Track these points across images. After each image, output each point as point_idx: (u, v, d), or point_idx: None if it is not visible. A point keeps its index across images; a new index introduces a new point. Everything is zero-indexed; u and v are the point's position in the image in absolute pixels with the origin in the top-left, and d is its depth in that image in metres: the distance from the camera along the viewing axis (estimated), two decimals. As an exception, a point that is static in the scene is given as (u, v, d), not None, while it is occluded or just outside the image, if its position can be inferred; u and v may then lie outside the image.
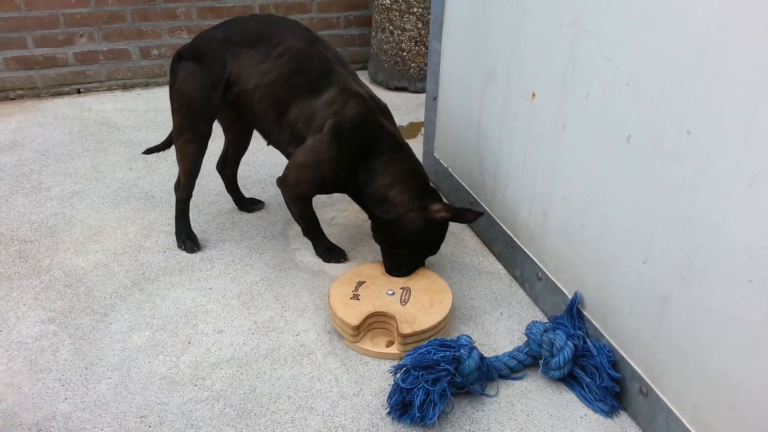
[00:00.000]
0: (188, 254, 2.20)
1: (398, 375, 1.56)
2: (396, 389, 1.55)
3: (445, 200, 1.90)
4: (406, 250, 1.93)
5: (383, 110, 1.97)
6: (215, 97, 2.01)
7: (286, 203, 2.07)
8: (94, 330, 1.85)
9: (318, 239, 2.18)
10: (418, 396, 1.51)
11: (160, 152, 2.41)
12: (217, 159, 2.44)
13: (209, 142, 2.10)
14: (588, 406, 1.62)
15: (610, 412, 1.60)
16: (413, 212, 1.87)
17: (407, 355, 1.59)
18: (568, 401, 1.64)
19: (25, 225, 2.34)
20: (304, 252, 2.22)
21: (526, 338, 1.71)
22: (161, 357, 1.75)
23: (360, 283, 1.91)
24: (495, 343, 1.84)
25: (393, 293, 1.87)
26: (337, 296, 1.86)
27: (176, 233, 2.25)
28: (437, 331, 1.77)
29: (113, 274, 2.09)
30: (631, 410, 1.60)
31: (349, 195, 2.00)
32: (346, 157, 1.86)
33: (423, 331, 1.73)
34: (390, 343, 1.79)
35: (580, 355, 1.65)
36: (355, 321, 1.76)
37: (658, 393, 1.48)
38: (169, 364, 1.73)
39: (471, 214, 1.85)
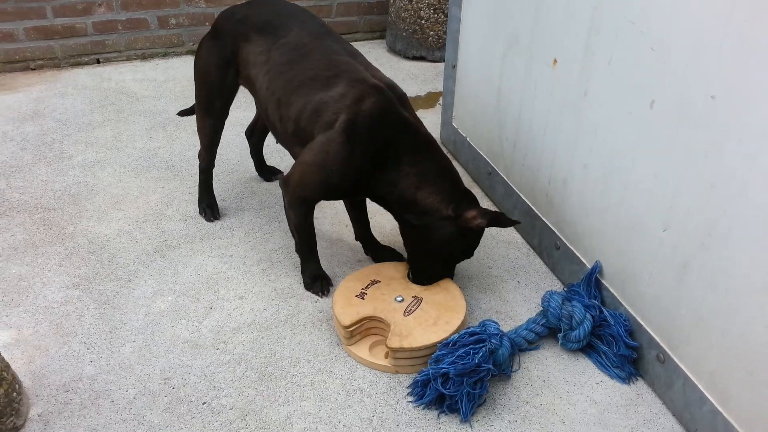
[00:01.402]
0: (209, 222, 2.23)
1: (438, 381, 1.51)
2: (431, 390, 1.52)
3: (481, 205, 1.73)
4: (438, 259, 1.76)
5: (402, 100, 1.75)
6: (229, 77, 1.98)
7: (285, 209, 1.86)
8: (118, 295, 1.89)
9: (308, 260, 1.91)
10: (462, 402, 1.49)
11: (186, 116, 2.43)
12: (243, 128, 2.45)
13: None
14: (605, 373, 1.63)
15: (627, 379, 1.61)
16: (446, 219, 1.67)
17: (441, 356, 1.53)
18: (584, 367, 1.65)
19: (49, 193, 2.38)
20: (322, 221, 2.24)
21: (542, 308, 1.72)
22: (184, 321, 1.79)
23: (373, 282, 1.79)
24: (512, 311, 1.84)
25: (402, 300, 1.73)
26: (343, 290, 1.76)
27: (198, 200, 2.28)
28: (431, 351, 1.60)
29: (136, 242, 2.12)
30: (647, 377, 1.60)
31: (371, 198, 1.81)
32: (360, 158, 1.65)
33: (413, 349, 1.59)
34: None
35: (597, 325, 1.66)
36: (347, 321, 1.64)
37: (676, 360, 1.49)
38: (191, 328, 1.77)
39: (506, 220, 1.68)
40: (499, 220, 1.68)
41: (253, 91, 1.97)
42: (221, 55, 1.96)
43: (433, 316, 1.68)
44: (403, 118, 1.68)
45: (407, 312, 1.69)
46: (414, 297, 1.74)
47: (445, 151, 2.68)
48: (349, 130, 1.62)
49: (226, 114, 2.10)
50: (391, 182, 1.68)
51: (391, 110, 1.67)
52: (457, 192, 1.70)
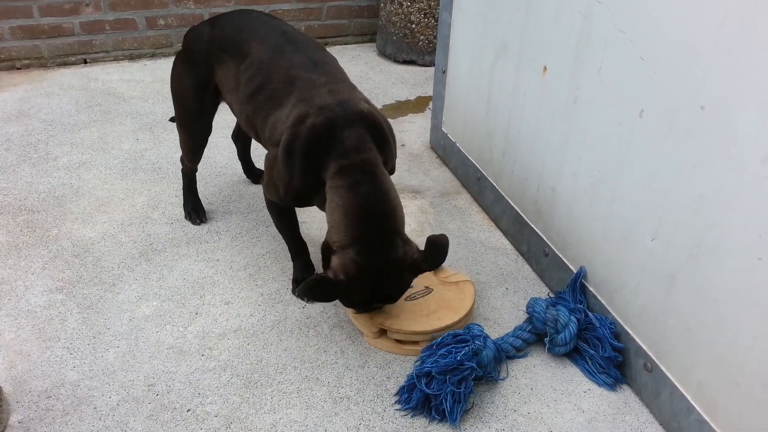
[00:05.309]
0: (195, 226, 2.20)
1: (421, 381, 1.51)
2: (416, 392, 1.52)
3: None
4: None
5: (352, 119, 1.57)
6: (207, 98, 1.96)
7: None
8: (102, 300, 1.86)
9: (296, 263, 1.91)
10: (447, 401, 1.48)
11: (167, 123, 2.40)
12: (230, 130, 2.43)
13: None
14: (592, 380, 1.63)
15: (613, 385, 1.61)
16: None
17: (425, 357, 1.55)
18: (572, 375, 1.65)
19: (33, 195, 2.34)
20: (310, 225, 2.22)
21: (527, 314, 1.71)
22: (169, 327, 1.77)
23: None
24: (500, 318, 1.84)
25: (413, 286, 1.73)
26: None
27: (183, 204, 2.26)
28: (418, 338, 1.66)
29: (121, 245, 2.10)
30: (635, 386, 1.60)
31: None
32: (298, 179, 1.60)
33: (390, 330, 1.64)
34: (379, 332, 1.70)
35: (583, 329, 1.66)
36: None
37: (663, 369, 1.49)
38: (176, 334, 1.74)
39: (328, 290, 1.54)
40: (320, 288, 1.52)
41: (232, 111, 1.96)
42: (197, 77, 1.93)
43: (431, 308, 1.72)
44: (340, 141, 1.55)
45: (409, 297, 1.74)
46: (426, 287, 1.78)
47: (434, 155, 2.69)
48: (287, 151, 1.58)
49: (209, 131, 2.07)
50: (323, 203, 1.63)
51: (328, 132, 1.56)
52: (351, 234, 1.53)
